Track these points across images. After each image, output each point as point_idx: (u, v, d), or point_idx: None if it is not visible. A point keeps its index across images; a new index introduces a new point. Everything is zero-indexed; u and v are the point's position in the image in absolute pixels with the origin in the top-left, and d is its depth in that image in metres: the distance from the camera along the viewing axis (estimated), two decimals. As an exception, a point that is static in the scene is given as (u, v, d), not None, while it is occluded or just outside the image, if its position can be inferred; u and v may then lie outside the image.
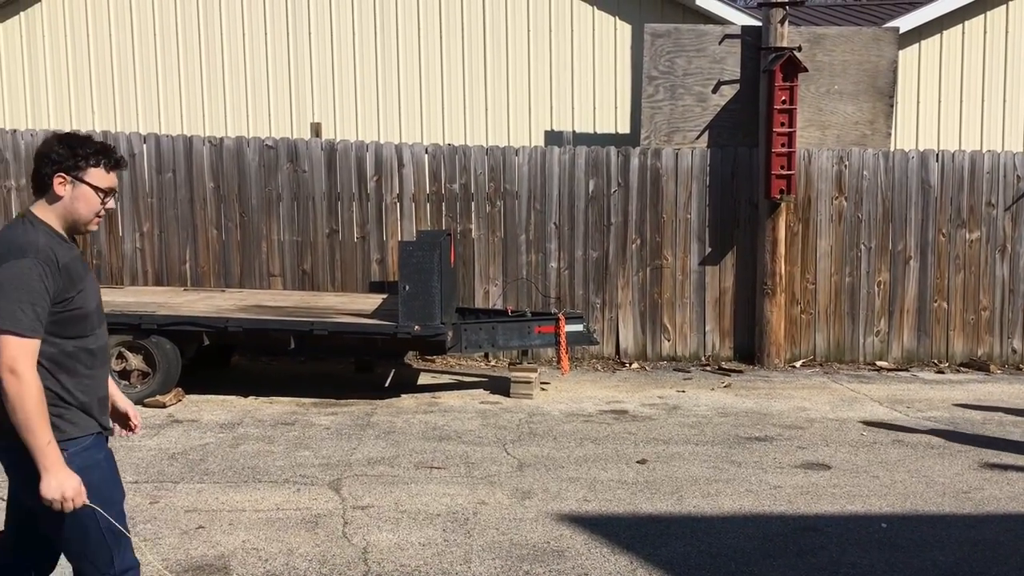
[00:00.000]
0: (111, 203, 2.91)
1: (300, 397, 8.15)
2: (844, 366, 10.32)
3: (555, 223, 10.32)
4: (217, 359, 9.24)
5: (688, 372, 9.97)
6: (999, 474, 6.16)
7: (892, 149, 10.54)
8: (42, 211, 2.81)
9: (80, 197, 2.81)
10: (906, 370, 10.19)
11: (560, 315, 8.77)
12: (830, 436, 7.21)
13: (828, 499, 5.63)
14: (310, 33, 11.34)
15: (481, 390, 8.78)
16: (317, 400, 8.07)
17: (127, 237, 10.07)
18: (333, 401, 8.02)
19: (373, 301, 9.08)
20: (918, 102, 11.27)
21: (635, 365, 10.28)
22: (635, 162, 10.30)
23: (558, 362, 8.82)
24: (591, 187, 10.30)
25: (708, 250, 10.36)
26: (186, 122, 11.36)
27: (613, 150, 10.34)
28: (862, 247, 10.35)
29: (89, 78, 11.42)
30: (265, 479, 5.80)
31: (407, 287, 7.63)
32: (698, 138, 10.39)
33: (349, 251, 10.18)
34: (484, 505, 5.38)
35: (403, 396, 8.30)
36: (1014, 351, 10.41)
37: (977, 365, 10.25)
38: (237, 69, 11.39)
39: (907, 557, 4.67)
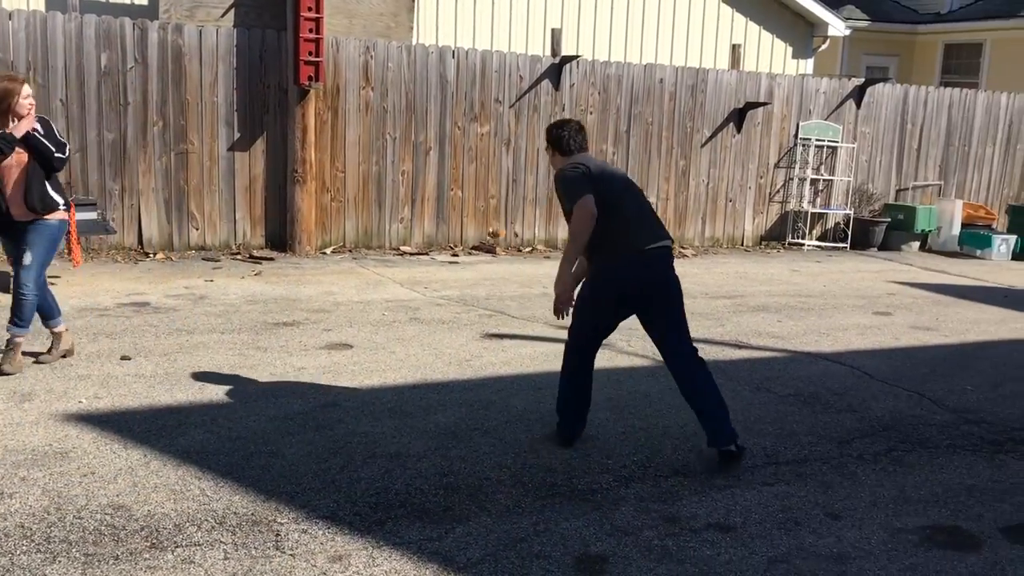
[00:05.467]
0: None
1: None
2: (372, 251, 10.81)
3: (62, 100, 9.25)
4: None
5: (218, 261, 9.73)
6: (496, 343, 6.96)
7: (415, 43, 11.02)
8: None
9: None
10: (426, 254, 10.98)
11: (70, 202, 7.94)
12: (355, 317, 7.55)
13: (348, 376, 5.91)
14: None
15: (-27, 287, 7.74)
16: None
17: None
18: None
19: None
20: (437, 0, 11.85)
21: (160, 255, 9.77)
22: (154, 37, 9.55)
23: (69, 254, 8.04)
24: (104, 61, 9.37)
25: (237, 135, 10.06)
26: None
27: (128, 21, 9.46)
28: (387, 137, 10.79)
29: None
30: None
31: None
32: (223, 16, 9.92)
33: None
34: (-28, 413, 4.79)
35: None
36: (516, 235, 11.72)
37: (486, 248, 11.37)
38: None
39: (414, 421, 5.10)
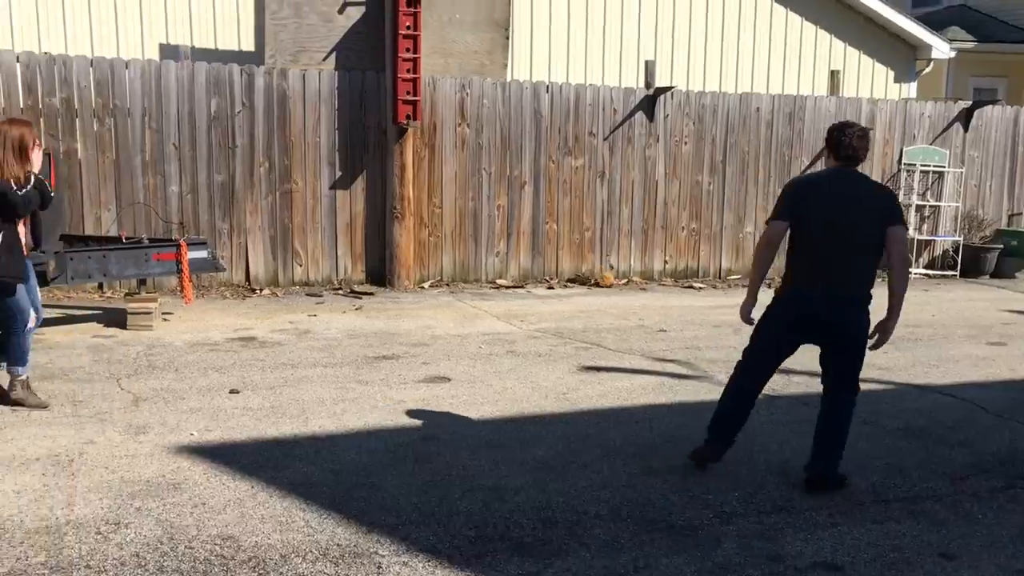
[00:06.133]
0: None
1: None
2: (468, 285, 10.94)
3: (175, 144, 9.71)
4: None
5: (321, 297, 9.99)
6: (593, 376, 6.94)
7: (509, 79, 11.18)
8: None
9: None
10: (522, 287, 11.04)
11: (182, 241, 8.33)
12: (452, 351, 7.64)
13: (446, 409, 5.98)
14: None
15: (94, 323, 8.15)
16: None
17: None
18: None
19: (-44, 229, 7.95)
20: (532, 35, 12.02)
21: (266, 292, 10.10)
22: (260, 82, 9.95)
23: (181, 291, 8.42)
24: (214, 107, 9.81)
25: (339, 174, 10.36)
26: None
27: (236, 68, 9.89)
28: (483, 172, 10.95)
29: None
30: None
31: (-4, 212, 6.77)
32: (325, 59, 10.27)
33: (-76, 172, 8.80)
34: (92, 444, 5.03)
35: (-2, 334, 7.43)
36: (612, 267, 11.69)
37: (581, 280, 11.38)
38: None
39: (511, 454, 5.12)
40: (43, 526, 3.98)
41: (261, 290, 10.13)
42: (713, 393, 6.50)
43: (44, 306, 8.79)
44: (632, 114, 11.50)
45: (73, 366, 6.67)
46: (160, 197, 9.71)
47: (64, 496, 4.32)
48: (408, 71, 10.09)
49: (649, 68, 11.78)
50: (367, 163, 10.45)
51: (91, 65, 9.36)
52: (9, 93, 9.06)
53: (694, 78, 12.94)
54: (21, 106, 9.08)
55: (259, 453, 5.03)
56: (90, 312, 8.64)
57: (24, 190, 5.46)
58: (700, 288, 11.61)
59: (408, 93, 10.13)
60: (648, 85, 11.65)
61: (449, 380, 6.70)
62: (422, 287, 10.70)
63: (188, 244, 8.30)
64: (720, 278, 12.24)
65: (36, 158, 5.60)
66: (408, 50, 10.07)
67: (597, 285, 11.28)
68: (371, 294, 10.20)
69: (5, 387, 5.70)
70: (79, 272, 7.73)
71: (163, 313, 8.54)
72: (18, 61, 9.11)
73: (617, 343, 8.12)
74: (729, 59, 13.19)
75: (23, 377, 5.69)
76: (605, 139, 11.41)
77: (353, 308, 9.41)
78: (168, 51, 10.44)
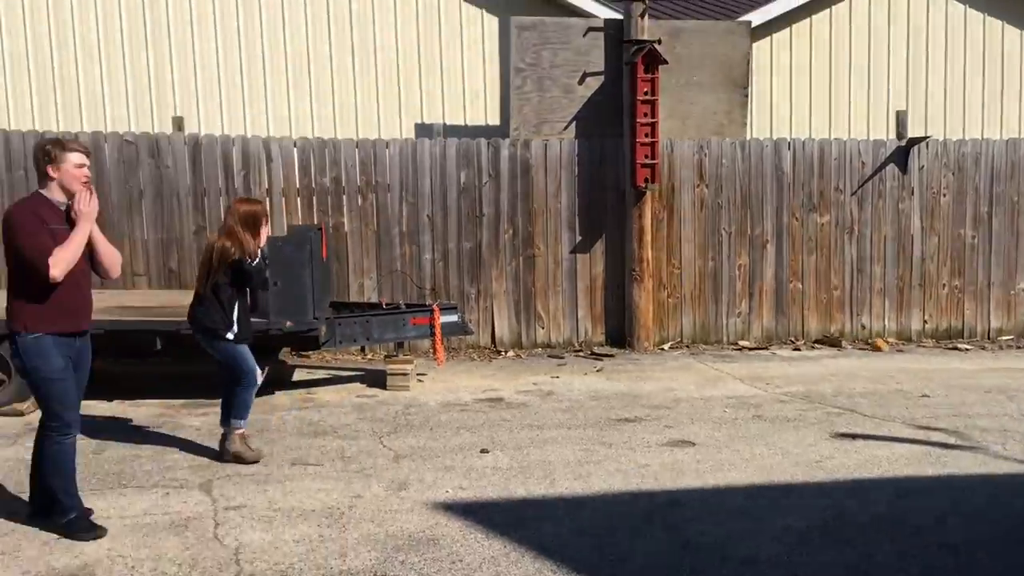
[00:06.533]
0: None
1: (169, 399, 7.93)
2: (709, 347, 10.76)
3: (428, 215, 10.35)
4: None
5: (562, 358, 10.19)
6: (848, 443, 6.58)
7: (748, 138, 11.03)
8: None
9: None
10: (766, 348, 10.71)
11: (434, 306, 8.82)
12: (695, 414, 7.53)
13: (692, 474, 5.89)
14: (169, 20, 10.98)
15: (357, 384, 8.76)
16: (187, 401, 7.87)
17: (-25, 238, 9.55)
18: (204, 402, 7.84)
19: (243, 298, 8.89)
20: (771, 93, 11.81)
21: (511, 353, 10.44)
22: (505, 153, 10.44)
23: (434, 353, 8.88)
24: (463, 178, 10.39)
25: (579, 239, 10.60)
26: (38, 117, 10.83)
27: (483, 141, 10.45)
28: (723, 232, 10.81)
29: (-73, 70, 10.76)
30: (131, 484, 5.64)
31: (277, 283, 7.53)
32: (565, 129, 10.61)
33: (217, 248, 9.94)
34: (360, 499, 5.40)
35: (277, 393, 8.19)
36: (863, 327, 11.08)
37: (830, 341, 10.87)
38: (91, 59, 10.92)
39: (762, 524, 4.95)
40: (320, 575, 4.31)
41: (506, 352, 10.49)
42: (989, 466, 5.99)
43: (314, 367, 9.62)
44: (882, 167, 10.97)
45: (341, 424, 7.21)
46: (415, 264, 10.37)
47: (337, 547, 4.66)
48: (646, 135, 10.23)
49: (900, 119, 11.23)
50: (606, 227, 10.63)
51: (356, 146, 10.24)
52: (287, 175, 10.08)
53: (952, 126, 12.14)
54: (297, 186, 10.07)
55: (510, 512, 5.18)
56: (354, 373, 9.31)
57: (255, 262, 6.04)
58: (966, 350, 10.74)
59: (646, 157, 10.26)
60: (900, 136, 11.09)
61: (693, 444, 6.60)
62: (661, 349, 10.65)
63: (440, 309, 8.78)
64: (989, 339, 11.27)
65: (264, 235, 6.18)
66: (646, 115, 10.22)
67: (837, 345, 10.73)
68: (611, 356, 10.27)
69: (234, 443, 6.19)
70: (346, 336, 8.38)
71: (418, 374, 9.04)
72: (295, 146, 10.13)
73: (873, 409, 7.67)
74: (992, 103, 12.28)
75: (243, 430, 6.20)
76: (853, 194, 10.94)
77: (594, 370, 9.52)
78: (422, 130, 11.22)
